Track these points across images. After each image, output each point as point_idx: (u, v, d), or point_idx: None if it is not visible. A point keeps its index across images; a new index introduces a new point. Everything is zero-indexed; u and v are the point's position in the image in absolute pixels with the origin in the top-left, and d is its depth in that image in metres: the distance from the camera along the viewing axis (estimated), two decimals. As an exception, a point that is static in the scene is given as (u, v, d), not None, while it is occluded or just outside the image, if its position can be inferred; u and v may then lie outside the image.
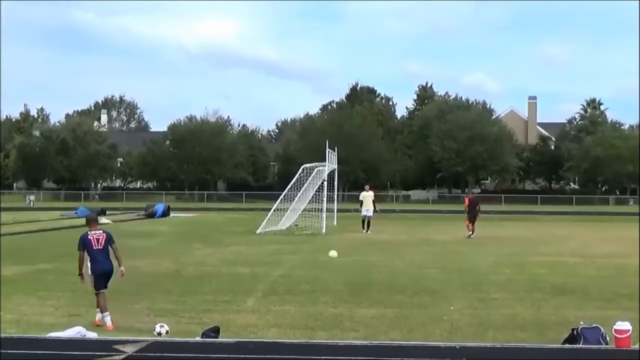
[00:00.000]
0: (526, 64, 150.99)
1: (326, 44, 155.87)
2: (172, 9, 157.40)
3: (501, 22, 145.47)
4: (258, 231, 27.39)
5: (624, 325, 7.75)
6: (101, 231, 10.36)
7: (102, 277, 10.15)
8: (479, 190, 77.10)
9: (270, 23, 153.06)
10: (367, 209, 29.05)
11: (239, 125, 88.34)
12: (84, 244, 10.10)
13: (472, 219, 27.08)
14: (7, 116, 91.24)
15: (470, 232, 26.74)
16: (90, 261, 10.11)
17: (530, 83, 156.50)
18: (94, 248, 10.11)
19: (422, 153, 76.62)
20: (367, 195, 29.44)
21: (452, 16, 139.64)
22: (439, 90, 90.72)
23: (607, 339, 8.02)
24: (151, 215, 40.30)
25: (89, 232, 10.22)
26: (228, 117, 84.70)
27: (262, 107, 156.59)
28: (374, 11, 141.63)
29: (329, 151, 31.71)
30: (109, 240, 10.28)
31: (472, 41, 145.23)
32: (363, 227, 28.66)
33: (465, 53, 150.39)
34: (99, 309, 9.98)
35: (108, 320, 9.84)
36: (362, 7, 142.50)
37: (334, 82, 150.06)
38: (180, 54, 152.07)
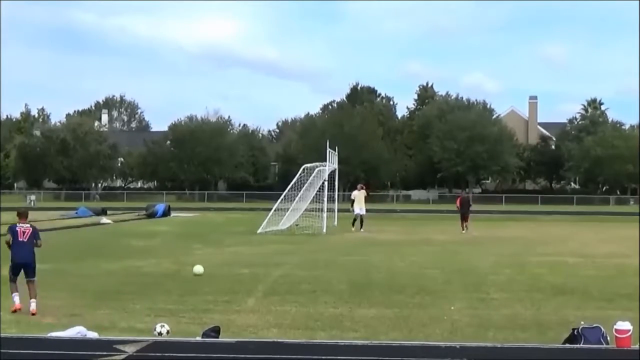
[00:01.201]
0: (526, 64, 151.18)
1: (326, 44, 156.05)
2: (172, 9, 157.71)
3: (501, 22, 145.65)
4: (259, 231, 27.40)
5: (625, 325, 7.75)
6: (28, 225, 11.17)
7: (19, 266, 10.91)
8: (480, 190, 77.20)
9: (270, 23, 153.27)
10: (361, 207, 29.68)
11: (239, 125, 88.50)
12: (12, 232, 10.98)
13: (464, 217, 29.27)
14: (7, 116, 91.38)
15: (463, 230, 28.50)
16: (12, 250, 10.94)
17: (531, 83, 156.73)
18: (19, 239, 10.91)
19: (423, 153, 76.65)
20: (359, 194, 30.04)
21: (451, 16, 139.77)
22: (440, 90, 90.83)
23: (608, 338, 8.01)
24: (152, 215, 40.32)
25: (17, 224, 11.08)
26: (229, 117, 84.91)
27: (261, 107, 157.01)
28: (374, 11, 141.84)
29: (329, 151, 31.72)
30: (35, 235, 11.11)
31: (472, 41, 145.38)
32: (353, 226, 29.27)
33: (465, 53, 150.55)
34: (15, 294, 10.76)
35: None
36: (361, 7, 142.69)
37: (334, 82, 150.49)
38: (180, 54, 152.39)
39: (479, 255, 19.44)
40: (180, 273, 15.40)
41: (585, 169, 72.83)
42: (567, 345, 8.11)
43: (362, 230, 28.84)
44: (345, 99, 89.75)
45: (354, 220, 29.56)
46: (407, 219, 41.24)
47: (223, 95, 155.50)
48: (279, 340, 8.58)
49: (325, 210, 29.09)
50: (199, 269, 14.82)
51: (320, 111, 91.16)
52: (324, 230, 27.86)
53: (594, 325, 8.26)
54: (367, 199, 31.23)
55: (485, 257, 18.73)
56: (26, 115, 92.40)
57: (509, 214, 45.22)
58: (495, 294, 12.64)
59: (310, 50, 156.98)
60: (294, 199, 30.01)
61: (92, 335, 8.68)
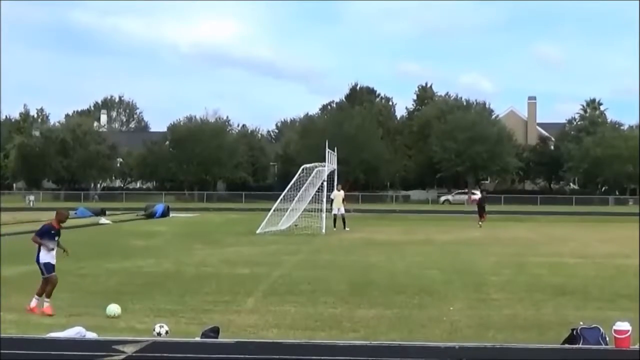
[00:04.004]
0: (525, 64, 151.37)
1: (323, 45, 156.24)
2: (171, 10, 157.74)
3: (500, 23, 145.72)
4: (258, 231, 27.39)
5: (624, 326, 7.74)
6: None
7: None
8: (479, 190, 77.20)
9: (267, 24, 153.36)
10: (338, 207, 30.29)
11: (238, 125, 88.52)
12: None
13: (480, 214, 34.48)
14: (6, 116, 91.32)
15: (479, 224, 32.87)
16: None
17: (529, 83, 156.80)
18: None
19: (422, 153, 76.70)
20: (338, 195, 30.59)
21: (450, 16, 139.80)
22: (439, 90, 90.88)
23: (607, 339, 8.01)
24: (151, 215, 40.26)
25: None
26: (227, 117, 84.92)
27: (260, 108, 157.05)
28: (371, 12, 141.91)
29: (328, 151, 31.70)
30: None
31: (471, 41, 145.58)
32: (334, 225, 29.59)
33: (464, 53, 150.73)
34: None
35: None
36: (358, 7, 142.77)
37: (331, 83, 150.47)
38: (178, 55, 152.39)
39: (479, 255, 19.43)
40: (180, 273, 15.39)
41: (585, 170, 72.84)
42: (566, 346, 8.11)
43: (346, 228, 29.39)
44: (344, 99, 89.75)
45: (334, 220, 29.97)
46: (406, 219, 41.23)
47: (221, 96, 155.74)
48: (279, 340, 8.57)
49: (325, 210, 29.09)
50: (113, 309, 10.48)
51: (320, 111, 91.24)
52: (323, 231, 27.85)
53: (593, 325, 8.26)
54: (346, 199, 31.95)
55: (485, 258, 18.73)
56: (25, 115, 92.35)
57: (508, 214, 45.19)
58: (495, 294, 12.63)
59: (307, 50, 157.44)
60: (293, 199, 30.00)
61: (91, 335, 8.67)
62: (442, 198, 73.39)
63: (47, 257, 10.89)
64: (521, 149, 78.87)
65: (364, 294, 12.54)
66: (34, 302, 10.72)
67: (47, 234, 10.97)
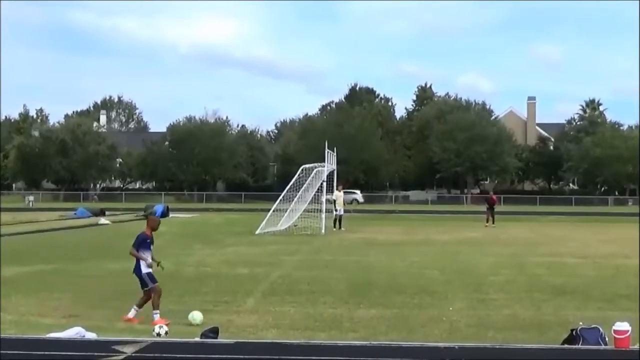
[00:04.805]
0: (524, 64, 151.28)
1: (323, 45, 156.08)
2: (170, 10, 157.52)
3: (499, 23, 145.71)
4: (257, 232, 27.39)
5: (623, 326, 7.74)
6: None
7: None
8: (478, 191, 77.21)
9: (266, 24, 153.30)
10: (339, 208, 30.70)
11: (237, 125, 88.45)
12: None
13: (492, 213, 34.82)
14: (6, 117, 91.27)
15: (491, 224, 33.30)
16: None
17: (529, 83, 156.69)
18: None
19: (422, 153, 76.69)
20: (340, 195, 31.03)
21: (450, 17, 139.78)
22: (438, 91, 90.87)
23: (607, 339, 8.01)
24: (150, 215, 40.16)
25: None
26: (227, 117, 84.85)
27: (259, 108, 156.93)
28: (369, 12, 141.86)
29: (328, 152, 31.69)
30: None
31: (470, 42, 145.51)
32: (335, 226, 29.82)
33: (464, 54, 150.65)
34: None
35: None
36: (357, 8, 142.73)
37: (329, 83, 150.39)
38: (178, 55, 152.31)
39: (478, 255, 19.43)
40: (180, 273, 15.37)
41: (584, 170, 72.79)
42: (566, 346, 8.10)
43: (342, 229, 29.71)
44: (344, 99, 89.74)
45: (335, 220, 30.20)
46: (406, 219, 41.23)
47: (221, 96, 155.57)
48: (278, 340, 8.56)
49: (324, 210, 29.10)
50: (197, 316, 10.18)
51: (319, 111, 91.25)
52: (323, 231, 27.86)
53: (593, 325, 8.26)
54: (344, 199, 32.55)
55: (484, 258, 18.73)
56: (25, 116, 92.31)
57: (508, 215, 45.19)
58: (495, 294, 12.63)
59: (307, 50, 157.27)
60: (293, 200, 30.01)
61: (91, 335, 8.66)
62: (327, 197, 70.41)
63: (147, 267, 10.38)
64: (520, 149, 78.85)
65: (363, 294, 12.54)
66: (132, 313, 10.22)
67: (144, 243, 10.46)
